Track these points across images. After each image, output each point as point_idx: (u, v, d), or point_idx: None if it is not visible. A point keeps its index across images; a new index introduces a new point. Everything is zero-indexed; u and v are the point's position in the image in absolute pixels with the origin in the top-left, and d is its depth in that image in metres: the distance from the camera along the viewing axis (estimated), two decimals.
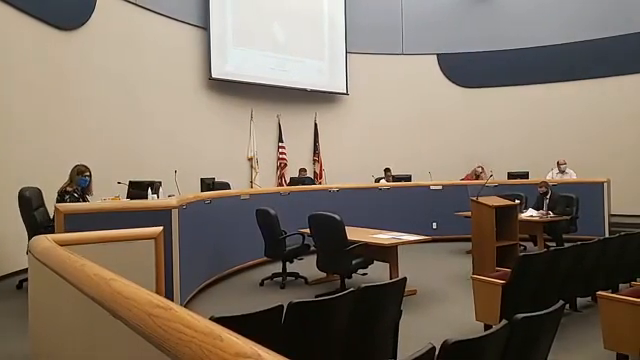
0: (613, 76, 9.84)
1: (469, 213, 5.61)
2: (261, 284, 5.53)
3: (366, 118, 10.98)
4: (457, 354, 1.68)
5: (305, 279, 5.61)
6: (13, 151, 5.76)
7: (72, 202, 4.52)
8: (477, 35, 10.94)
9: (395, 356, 2.69)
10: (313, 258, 5.16)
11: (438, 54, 11.20)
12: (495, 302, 3.44)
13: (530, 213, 6.90)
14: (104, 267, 1.53)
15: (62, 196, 4.62)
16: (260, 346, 0.78)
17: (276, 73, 9.98)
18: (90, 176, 4.86)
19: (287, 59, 10.16)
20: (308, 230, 5.14)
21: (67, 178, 4.84)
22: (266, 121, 10.09)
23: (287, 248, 5.48)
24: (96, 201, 4.74)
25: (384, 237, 5.01)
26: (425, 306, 4.60)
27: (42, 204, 5.03)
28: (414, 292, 4.96)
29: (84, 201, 4.77)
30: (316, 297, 2.58)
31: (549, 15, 10.51)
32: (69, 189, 4.69)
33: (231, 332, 0.85)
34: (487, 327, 3.49)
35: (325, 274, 5.55)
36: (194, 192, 5.56)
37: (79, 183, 4.77)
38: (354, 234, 4.97)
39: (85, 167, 4.84)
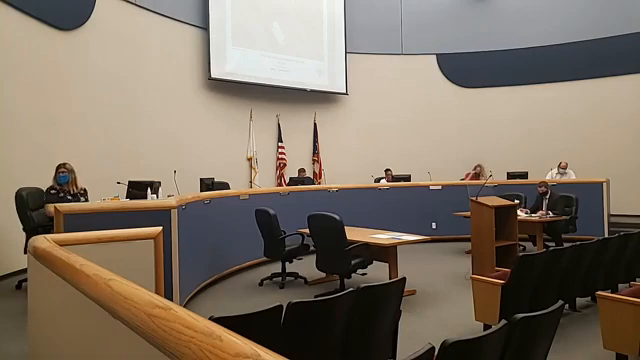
0: (613, 76, 9.85)
1: (468, 213, 5.61)
2: (260, 284, 5.52)
3: (365, 118, 10.99)
4: (456, 354, 1.69)
5: (304, 279, 5.60)
6: (13, 151, 5.75)
7: (50, 200, 4.65)
8: (476, 35, 10.95)
9: (394, 356, 2.70)
10: (312, 258, 5.15)
11: (437, 54, 11.21)
12: (494, 302, 3.45)
13: (521, 214, 6.59)
14: (103, 267, 1.53)
15: (45, 196, 4.78)
16: (260, 346, 0.78)
17: (276, 73, 9.98)
18: (70, 171, 4.97)
19: (287, 59, 10.17)
20: (307, 230, 5.13)
21: None
22: (265, 121, 10.09)
23: (286, 248, 5.47)
24: (95, 201, 4.75)
25: (383, 237, 5.00)
26: (424, 306, 4.59)
27: (42, 204, 5.03)
28: (413, 292, 4.96)
29: (71, 197, 4.87)
30: (315, 297, 2.58)
31: (549, 15, 10.52)
32: (50, 187, 4.83)
33: (231, 332, 0.85)
34: (486, 327, 3.49)
35: (324, 274, 5.56)
36: (193, 192, 5.55)
37: (59, 180, 4.91)
38: (353, 234, 4.97)
39: (60, 164, 4.97)
